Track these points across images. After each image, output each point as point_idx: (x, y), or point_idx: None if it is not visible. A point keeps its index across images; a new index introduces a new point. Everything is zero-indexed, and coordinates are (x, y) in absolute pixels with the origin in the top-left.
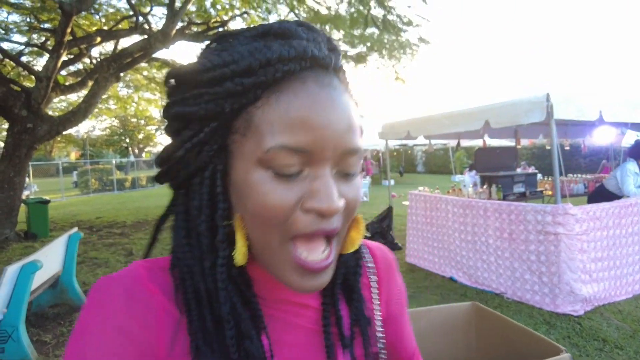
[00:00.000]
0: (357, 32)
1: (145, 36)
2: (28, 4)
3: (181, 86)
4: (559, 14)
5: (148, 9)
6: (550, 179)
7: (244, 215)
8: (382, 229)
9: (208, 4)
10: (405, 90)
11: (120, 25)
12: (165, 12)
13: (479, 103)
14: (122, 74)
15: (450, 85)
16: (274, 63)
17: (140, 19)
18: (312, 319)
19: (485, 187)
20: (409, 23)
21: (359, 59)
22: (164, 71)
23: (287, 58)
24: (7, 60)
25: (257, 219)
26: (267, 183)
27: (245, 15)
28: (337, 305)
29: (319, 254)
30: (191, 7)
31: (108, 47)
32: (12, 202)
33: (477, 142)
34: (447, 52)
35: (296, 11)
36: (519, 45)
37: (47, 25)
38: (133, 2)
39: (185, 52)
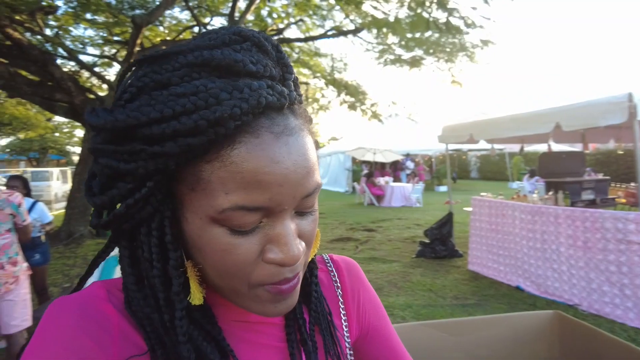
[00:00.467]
0: (416, 35)
1: None
2: (102, 19)
3: (112, 136)
4: None
5: (208, 19)
6: (623, 186)
7: (203, 265)
8: (442, 235)
9: (264, 12)
10: (464, 93)
11: (182, 36)
12: (224, 22)
13: (548, 105)
14: None
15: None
16: (225, 122)
17: (201, 29)
18: (278, 336)
19: (550, 193)
20: (472, 25)
21: (414, 62)
22: None
23: (239, 115)
24: (81, 70)
25: (220, 273)
26: (224, 239)
27: (300, 23)
28: (299, 312)
29: (288, 285)
30: (249, 17)
31: None
32: (87, 201)
33: (537, 148)
34: (511, 51)
35: (351, 17)
36: (593, 42)
37: (118, 38)
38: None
39: None
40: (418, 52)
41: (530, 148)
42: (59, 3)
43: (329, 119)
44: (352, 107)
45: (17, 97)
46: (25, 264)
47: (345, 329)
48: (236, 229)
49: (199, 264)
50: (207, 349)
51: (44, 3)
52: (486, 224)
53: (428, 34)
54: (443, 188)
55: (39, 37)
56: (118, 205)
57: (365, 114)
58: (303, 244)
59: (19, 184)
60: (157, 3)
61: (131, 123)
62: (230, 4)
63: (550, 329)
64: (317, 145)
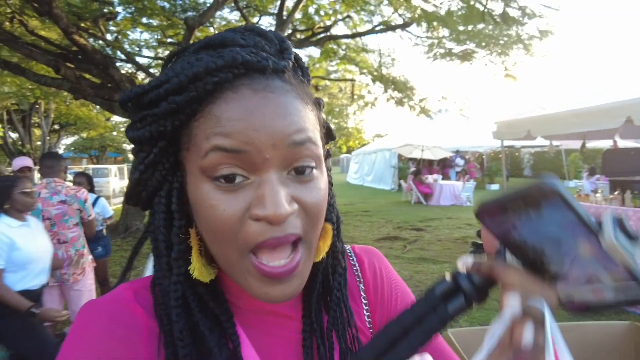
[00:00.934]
0: (468, 28)
1: None
2: (156, 23)
3: (134, 108)
4: None
5: (256, 19)
6: None
7: (201, 230)
8: None
9: (312, 10)
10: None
11: None
12: (272, 21)
13: (617, 97)
14: None
15: (575, 79)
16: (202, 77)
17: None
18: (297, 329)
19: (616, 193)
20: (531, 14)
21: (465, 56)
22: None
23: (214, 69)
24: (138, 72)
25: (211, 233)
26: (213, 194)
27: (347, 19)
28: (317, 315)
29: (281, 260)
30: (296, 15)
31: None
32: None
33: (597, 144)
34: (573, 41)
35: (400, 11)
36: None
37: (171, 40)
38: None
39: None
40: (470, 45)
41: (590, 144)
42: (118, 9)
43: (374, 115)
44: (399, 102)
45: (82, 98)
46: (90, 256)
47: (368, 320)
48: (220, 177)
49: (203, 236)
50: (205, 325)
51: (105, 10)
52: None
53: (481, 26)
54: (495, 186)
55: (100, 42)
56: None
57: (413, 109)
58: (295, 205)
59: (84, 180)
60: (208, 5)
61: (137, 91)
62: (278, 3)
63: (625, 340)
64: (330, 133)
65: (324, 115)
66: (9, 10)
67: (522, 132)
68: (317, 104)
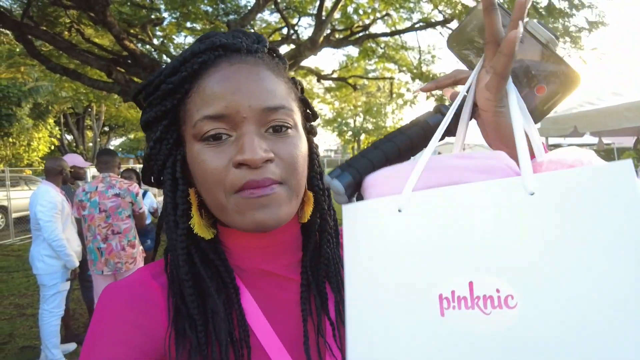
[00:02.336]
0: None
1: (293, 46)
2: (200, 27)
3: (145, 101)
4: None
5: (296, 20)
6: None
7: (199, 187)
8: None
9: (350, 9)
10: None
11: (271, 37)
12: (310, 22)
13: None
14: None
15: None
16: (190, 59)
17: (290, 30)
18: (297, 290)
19: None
20: (580, 5)
21: None
22: (309, 78)
23: (198, 52)
24: None
25: (204, 185)
26: (203, 153)
27: (386, 17)
28: (312, 271)
29: (262, 190)
30: (335, 15)
31: None
32: None
33: None
34: (626, 32)
35: (440, 8)
36: None
37: None
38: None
39: (327, 59)
40: None
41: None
42: (165, 15)
43: (413, 114)
44: (440, 100)
45: (131, 101)
46: (141, 247)
47: None
48: (207, 138)
49: (201, 193)
50: (206, 272)
51: (152, 16)
52: None
53: (525, 19)
54: None
55: (148, 46)
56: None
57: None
58: (271, 154)
59: (133, 175)
60: (249, 8)
61: (145, 84)
62: (317, 4)
63: None
64: (314, 113)
65: (302, 96)
66: (68, 21)
67: (569, 129)
68: (293, 81)
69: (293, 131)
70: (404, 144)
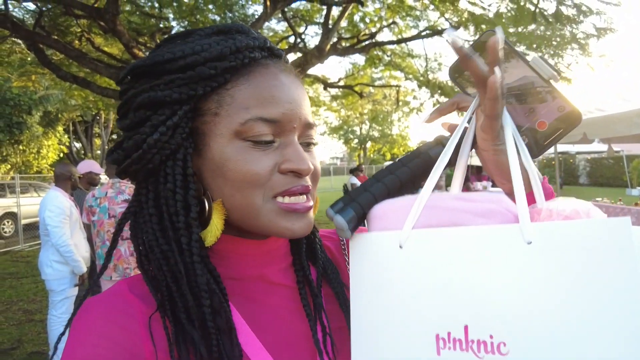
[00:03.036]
0: (518, 30)
1: (300, 54)
2: None
3: (143, 78)
4: None
5: (302, 28)
6: None
7: (222, 187)
8: None
9: (357, 18)
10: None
11: (279, 46)
12: (317, 30)
13: None
14: None
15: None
16: (242, 50)
17: (297, 38)
18: (289, 297)
19: None
20: (588, 12)
21: None
22: (315, 86)
23: (252, 46)
24: None
25: (239, 185)
26: (246, 152)
27: (392, 25)
28: (307, 272)
29: (300, 200)
30: (342, 23)
31: None
32: None
33: None
34: (636, 38)
35: (446, 15)
36: None
37: None
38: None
39: (333, 67)
40: (520, 47)
41: None
42: (173, 24)
43: (419, 121)
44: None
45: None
46: None
47: None
48: (257, 142)
49: (219, 195)
50: (215, 288)
51: (161, 25)
52: None
53: (532, 27)
54: None
55: None
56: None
57: (461, 115)
58: (313, 166)
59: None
60: (257, 16)
61: (165, 58)
62: (324, 13)
63: None
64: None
65: None
66: (78, 30)
67: (578, 135)
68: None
69: (315, 147)
70: (405, 177)
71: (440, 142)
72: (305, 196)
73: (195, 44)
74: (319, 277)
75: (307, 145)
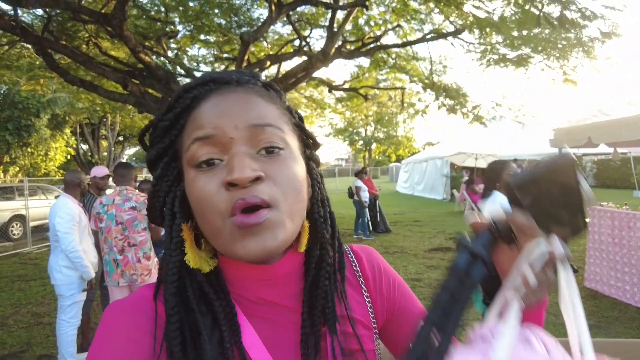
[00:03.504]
0: (523, 33)
1: (305, 57)
2: (213, 39)
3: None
4: None
5: (307, 32)
6: None
7: (196, 217)
8: None
9: (362, 21)
10: (579, 91)
11: (283, 49)
12: (322, 33)
13: None
14: (287, 94)
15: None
16: (182, 95)
17: (301, 42)
18: (297, 320)
19: None
20: (592, 16)
21: (520, 62)
22: (320, 89)
23: (190, 87)
24: None
25: (199, 212)
26: (196, 179)
27: (397, 29)
28: (310, 303)
29: (252, 218)
30: (347, 26)
31: (272, 70)
32: None
33: None
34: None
35: (451, 19)
36: None
37: (227, 55)
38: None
39: (338, 70)
40: (525, 50)
41: None
42: (179, 28)
43: (425, 123)
44: (451, 110)
45: (145, 112)
46: (156, 259)
47: (370, 310)
48: (199, 164)
49: (199, 224)
50: (199, 309)
51: (167, 29)
52: (608, 237)
53: (537, 30)
54: None
55: (162, 58)
56: None
57: (466, 117)
58: (259, 172)
59: (150, 187)
60: (262, 20)
61: (148, 125)
62: (328, 16)
63: None
64: (315, 142)
65: (303, 125)
66: (86, 35)
67: (583, 139)
68: (288, 110)
69: (286, 152)
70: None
71: (464, 246)
72: (262, 212)
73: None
74: (318, 313)
75: (270, 152)
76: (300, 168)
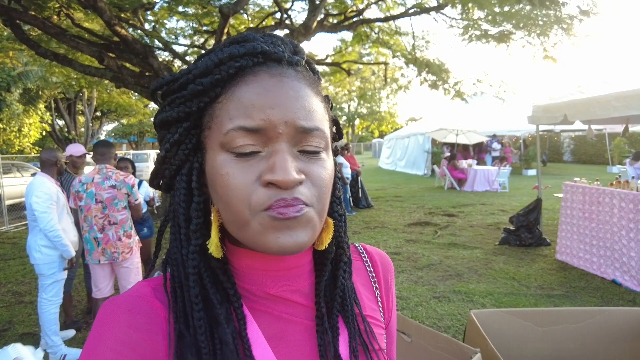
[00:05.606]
0: (505, 9)
1: (287, 31)
2: (192, 11)
3: (163, 98)
4: None
5: (289, 4)
6: None
7: (216, 201)
8: (529, 222)
9: None
10: (558, 69)
11: (264, 22)
12: (304, 6)
13: None
14: None
15: (619, 61)
16: (226, 61)
17: (283, 14)
18: (307, 316)
19: None
20: None
21: (502, 38)
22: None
23: (237, 55)
24: (174, 60)
25: (225, 199)
26: (229, 165)
27: (380, 2)
28: (326, 301)
29: (291, 210)
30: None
31: None
32: None
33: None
34: (617, 20)
35: None
36: None
37: (206, 28)
38: None
39: (322, 44)
40: (507, 26)
41: (635, 128)
42: (156, 0)
43: (408, 99)
44: (433, 86)
45: (123, 87)
46: (137, 237)
47: (381, 312)
48: (238, 153)
49: (218, 207)
50: (215, 296)
51: (144, 1)
52: (579, 211)
53: (518, 6)
54: (532, 172)
55: (139, 31)
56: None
57: (448, 93)
58: (302, 176)
59: (129, 164)
60: None
61: (169, 79)
62: None
63: None
64: (339, 131)
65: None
66: (57, 5)
67: (559, 117)
68: (327, 99)
69: (324, 154)
70: None
71: None
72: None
73: (196, 61)
74: (336, 310)
75: (309, 153)
76: (332, 167)
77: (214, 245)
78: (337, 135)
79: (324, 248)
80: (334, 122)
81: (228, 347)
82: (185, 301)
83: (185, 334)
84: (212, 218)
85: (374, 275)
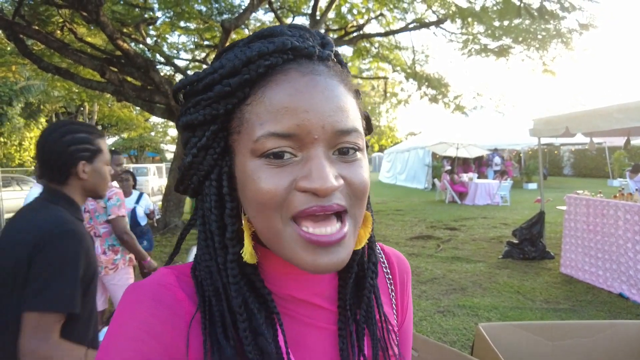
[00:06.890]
0: (504, 23)
1: None
2: (194, 26)
3: (186, 98)
4: None
5: (290, 19)
6: None
7: (247, 207)
8: (532, 235)
9: (345, 9)
10: (558, 82)
11: None
12: (305, 21)
13: None
14: None
15: (619, 74)
16: (255, 60)
17: None
18: (329, 320)
19: None
20: (570, 8)
21: (501, 52)
22: None
23: (266, 53)
24: (176, 74)
25: (256, 206)
26: (261, 170)
27: (380, 17)
28: (351, 304)
29: (326, 229)
30: (329, 14)
31: None
32: (180, 195)
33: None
34: (617, 33)
35: (434, 8)
36: None
37: (208, 43)
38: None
39: None
40: (506, 40)
41: (635, 142)
42: (158, 14)
43: (407, 113)
44: (433, 100)
45: (124, 100)
46: (130, 255)
47: (395, 316)
48: (270, 157)
49: (248, 215)
50: (254, 304)
51: (146, 16)
52: (583, 224)
53: (517, 20)
54: (532, 185)
55: (141, 46)
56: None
57: (448, 106)
58: (341, 180)
59: (130, 177)
60: (243, 7)
61: (192, 78)
62: (311, 3)
63: None
64: (369, 124)
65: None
66: (60, 20)
67: (560, 129)
68: (357, 94)
69: (360, 154)
70: None
71: None
72: (334, 222)
73: (221, 59)
74: (363, 313)
75: (345, 153)
76: (367, 166)
77: (248, 254)
78: (368, 130)
79: (360, 247)
80: (366, 118)
81: (271, 357)
82: (223, 311)
83: (224, 345)
84: (243, 227)
85: (390, 277)
